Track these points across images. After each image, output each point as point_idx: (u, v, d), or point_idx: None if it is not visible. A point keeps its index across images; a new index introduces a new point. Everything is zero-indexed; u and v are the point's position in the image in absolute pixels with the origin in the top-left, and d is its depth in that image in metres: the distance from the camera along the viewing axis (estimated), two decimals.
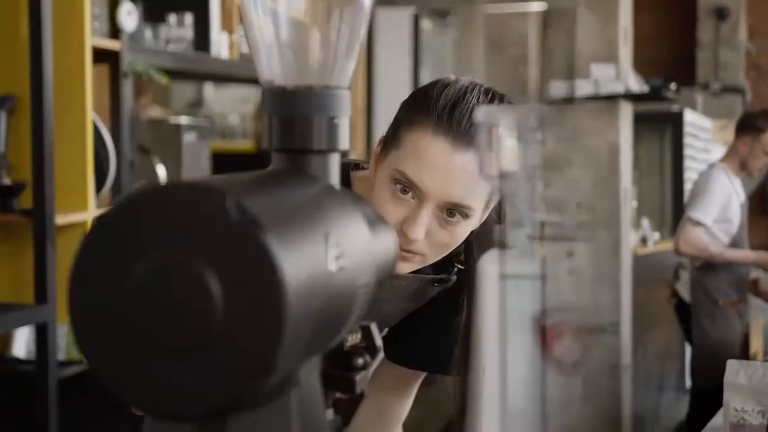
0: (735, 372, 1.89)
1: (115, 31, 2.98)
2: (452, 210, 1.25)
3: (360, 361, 0.80)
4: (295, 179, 0.70)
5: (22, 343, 2.88)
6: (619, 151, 5.40)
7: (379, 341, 0.82)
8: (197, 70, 3.68)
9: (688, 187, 6.62)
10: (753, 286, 4.68)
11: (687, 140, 6.60)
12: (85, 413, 2.83)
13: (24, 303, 2.67)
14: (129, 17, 2.98)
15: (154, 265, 0.56)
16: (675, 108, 6.45)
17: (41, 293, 2.54)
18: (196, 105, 6.07)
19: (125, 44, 2.99)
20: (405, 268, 1.29)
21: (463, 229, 1.28)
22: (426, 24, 5.72)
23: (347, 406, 1.08)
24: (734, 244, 4.47)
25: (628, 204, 5.52)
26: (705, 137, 7.05)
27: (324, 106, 0.73)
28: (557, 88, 4.90)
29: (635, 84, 5.55)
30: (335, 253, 0.63)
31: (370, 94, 5.45)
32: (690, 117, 6.68)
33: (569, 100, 4.99)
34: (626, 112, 5.50)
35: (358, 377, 0.80)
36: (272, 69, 0.74)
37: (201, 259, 0.56)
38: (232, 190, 0.57)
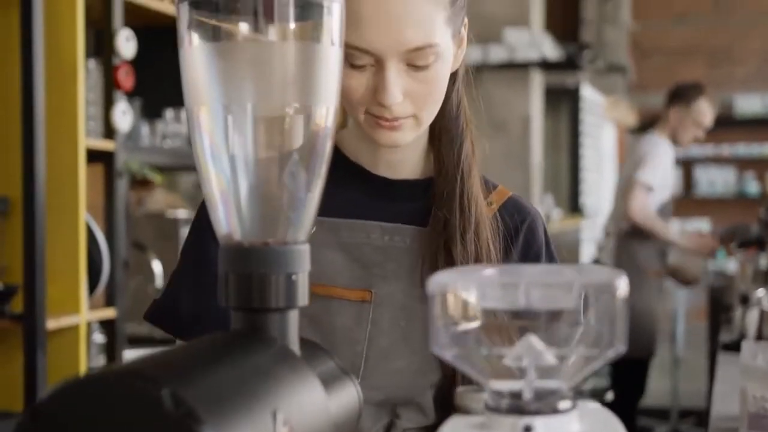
0: (752, 354, 1.58)
1: (110, 130, 2.98)
2: (417, 58, 1.11)
3: None
4: (248, 344, 0.68)
5: None
6: (530, 122, 5.26)
7: None
8: (193, 164, 3.68)
9: (584, 163, 6.57)
10: (671, 270, 4.62)
11: (582, 116, 6.55)
12: None
13: (13, 411, 2.62)
14: (124, 117, 2.98)
15: None
16: (570, 83, 6.35)
17: (31, 401, 2.49)
18: None
19: (120, 144, 2.99)
20: (402, 137, 1.16)
21: (440, 71, 1.15)
22: None
23: None
24: (663, 211, 4.45)
25: (539, 178, 5.40)
26: (598, 113, 7.05)
27: (281, 263, 0.71)
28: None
29: (551, 50, 5.33)
30: (284, 431, 0.61)
31: None
32: (586, 92, 6.61)
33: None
34: (538, 81, 5.38)
35: None
36: (230, 224, 0.72)
37: None
38: (168, 377, 0.54)
